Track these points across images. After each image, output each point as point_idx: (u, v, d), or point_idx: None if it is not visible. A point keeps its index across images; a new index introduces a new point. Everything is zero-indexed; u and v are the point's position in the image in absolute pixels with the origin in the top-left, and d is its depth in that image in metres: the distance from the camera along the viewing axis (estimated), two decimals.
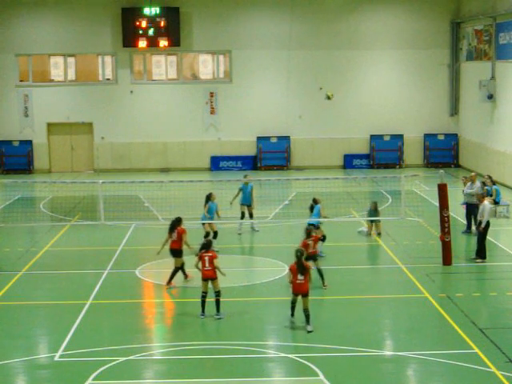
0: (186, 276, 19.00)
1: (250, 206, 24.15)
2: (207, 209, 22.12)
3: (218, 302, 16.40)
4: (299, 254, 15.66)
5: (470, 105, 37.45)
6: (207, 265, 16.34)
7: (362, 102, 39.33)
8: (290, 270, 15.70)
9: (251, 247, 23.15)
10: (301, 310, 15.71)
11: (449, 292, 18.17)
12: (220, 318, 16.33)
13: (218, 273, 16.47)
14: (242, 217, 24.16)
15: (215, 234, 22.20)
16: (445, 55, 39.30)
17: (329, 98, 21.04)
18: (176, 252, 18.79)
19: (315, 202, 21.49)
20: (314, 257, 18.29)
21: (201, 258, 16.47)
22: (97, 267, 20.85)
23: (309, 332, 15.53)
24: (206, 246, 16.63)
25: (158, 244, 23.50)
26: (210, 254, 16.44)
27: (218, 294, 16.42)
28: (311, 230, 18.43)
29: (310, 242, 18.17)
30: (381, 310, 17.22)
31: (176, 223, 18.93)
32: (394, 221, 24.18)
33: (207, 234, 21.96)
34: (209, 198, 22.26)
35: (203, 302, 16.41)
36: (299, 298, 15.71)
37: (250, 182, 24.27)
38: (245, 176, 24.76)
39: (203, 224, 22.30)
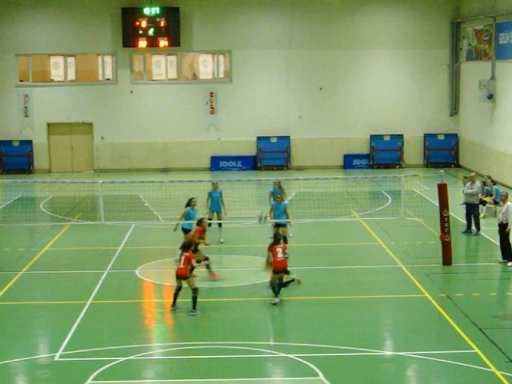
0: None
1: (219, 212, 23.10)
2: (185, 214, 20.79)
3: (194, 299, 16.67)
4: (279, 237, 17.19)
5: (470, 105, 37.45)
6: (181, 264, 16.69)
7: (362, 102, 39.34)
8: (271, 251, 16.92)
9: (251, 247, 23.12)
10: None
11: (449, 292, 18.17)
12: (195, 315, 16.56)
13: (193, 271, 17.01)
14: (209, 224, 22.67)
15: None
16: (445, 55, 39.29)
17: (260, 219, 20.90)
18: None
19: (188, 203, 20.77)
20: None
21: (180, 257, 16.97)
22: (97, 267, 20.84)
23: (273, 304, 16.88)
24: (186, 247, 16.98)
25: (158, 244, 23.60)
26: (187, 254, 16.77)
27: (194, 291, 16.69)
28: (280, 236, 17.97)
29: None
30: (381, 310, 17.22)
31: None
32: (393, 221, 24.19)
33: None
34: (188, 203, 20.96)
35: (176, 296, 16.89)
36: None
37: (219, 188, 23.30)
38: (214, 180, 23.77)
39: (186, 232, 20.66)
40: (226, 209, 23.27)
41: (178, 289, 16.89)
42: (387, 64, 39.39)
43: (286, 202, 21.78)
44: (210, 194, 23.30)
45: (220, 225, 23.32)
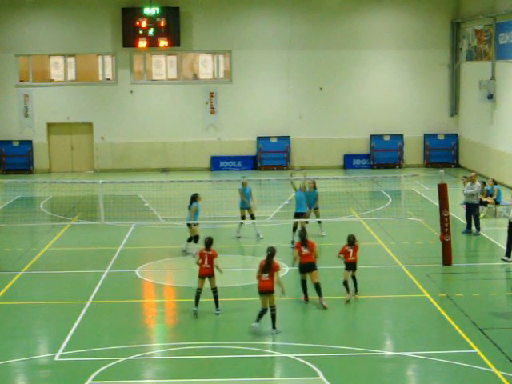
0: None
1: (249, 208, 23.61)
2: (195, 210, 21.47)
3: (216, 298, 16.70)
4: (269, 253, 15.66)
5: (470, 105, 37.45)
6: (206, 263, 16.50)
7: (362, 102, 39.34)
8: (259, 266, 15.81)
9: (251, 247, 23.13)
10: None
11: (449, 292, 18.17)
12: (219, 313, 16.59)
13: (216, 271, 16.62)
14: (243, 219, 23.78)
15: (196, 238, 21.49)
16: (445, 55, 39.30)
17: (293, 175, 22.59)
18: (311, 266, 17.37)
19: (194, 199, 21.43)
20: (352, 265, 17.75)
21: (200, 256, 16.61)
22: (97, 267, 20.85)
23: (272, 334, 15.44)
24: (208, 244, 16.66)
25: (158, 244, 23.58)
26: (210, 253, 16.57)
27: (215, 290, 16.68)
28: (355, 237, 17.88)
29: (350, 250, 17.75)
30: (381, 310, 17.21)
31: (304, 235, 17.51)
32: (393, 221, 24.19)
33: (195, 238, 21.40)
34: (194, 198, 21.55)
35: (197, 298, 16.59)
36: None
37: (248, 185, 23.71)
38: (243, 177, 24.31)
39: (189, 226, 21.64)
40: (256, 203, 23.81)
41: (200, 291, 16.57)
42: (387, 64, 39.40)
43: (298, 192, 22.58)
44: (240, 191, 23.67)
45: (253, 218, 23.65)
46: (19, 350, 14.93)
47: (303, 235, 17.27)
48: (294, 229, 22.17)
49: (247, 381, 13.39)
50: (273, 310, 15.61)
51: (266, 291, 15.54)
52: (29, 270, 20.63)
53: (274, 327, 15.58)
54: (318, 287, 17.01)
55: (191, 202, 21.54)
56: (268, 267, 15.56)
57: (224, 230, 24.32)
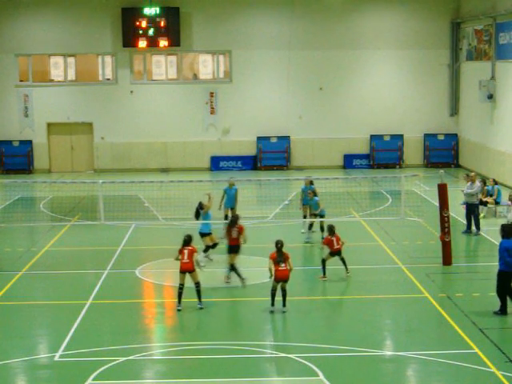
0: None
1: (233, 208, 23.55)
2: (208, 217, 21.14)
3: (198, 292, 17.01)
4: (279, 246, 16.74)
5: (470, 105, 37.44)
6: (186, 258, 16.86)
7: (362, 102, 39.33)
8: (270, 258, 16.78)
9: (250, 247, 23.10)
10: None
11: (449, 292, 18.17)
12: (202, 308, 16.91)
13: (196, 266, 17.01)
14: (226, 219, 23.74)
15: (214, 245, 21.14)
16: (445, 55, 39.29)
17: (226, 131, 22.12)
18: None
19: (201, 207, 21.05)
20: (338, 253, 19.19)
21: (180, 252, 16.97)
22: (97, 267, 20.85)
23: (283, 312, 16.61)
24: (187, 242, 17.08)
25: (158, 244, 23.59)
26: (190, 248, 16.96)
27: (197, 284, 17.00)
28: (334, 227, 19.29)
29: (333, 239, 19.06)
30: (381, 310, 17.21)
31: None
32: (393, 221, 24.19)
33: (213, 245, 21.08)
34: (201, 207, 21.08)
35: (180, 294, 16.99)
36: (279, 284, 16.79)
37: (235, 185, 23.78)
38: (230, 178, 24.20)
39: (204, 236, 20.95)
40: (236, 207, 23.77)
41: (182, 286, 16.93)
42: (387, 64, 39.39)
43: (317, 198, 22.93)
44: (225, 191, 23.82)
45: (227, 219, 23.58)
46: (19, 349, 14.92)
47: (235, 220, 18.97)
48: (310, 226, 23.25)
49: (247, 381, 13.39)
50: (284, 291, 16.68)
51: (284, 279, 16.69)
52: (29, 270, 20.62)
53: (284, 305, 16.71)
54: (233, 267, 18.66)
55: (198, 212, 21.16)
56: (282, 257, 16.62)
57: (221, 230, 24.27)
